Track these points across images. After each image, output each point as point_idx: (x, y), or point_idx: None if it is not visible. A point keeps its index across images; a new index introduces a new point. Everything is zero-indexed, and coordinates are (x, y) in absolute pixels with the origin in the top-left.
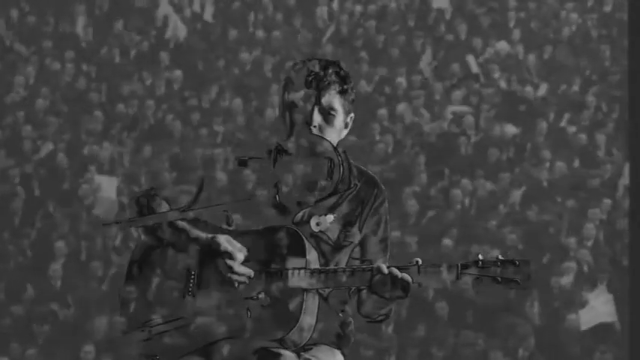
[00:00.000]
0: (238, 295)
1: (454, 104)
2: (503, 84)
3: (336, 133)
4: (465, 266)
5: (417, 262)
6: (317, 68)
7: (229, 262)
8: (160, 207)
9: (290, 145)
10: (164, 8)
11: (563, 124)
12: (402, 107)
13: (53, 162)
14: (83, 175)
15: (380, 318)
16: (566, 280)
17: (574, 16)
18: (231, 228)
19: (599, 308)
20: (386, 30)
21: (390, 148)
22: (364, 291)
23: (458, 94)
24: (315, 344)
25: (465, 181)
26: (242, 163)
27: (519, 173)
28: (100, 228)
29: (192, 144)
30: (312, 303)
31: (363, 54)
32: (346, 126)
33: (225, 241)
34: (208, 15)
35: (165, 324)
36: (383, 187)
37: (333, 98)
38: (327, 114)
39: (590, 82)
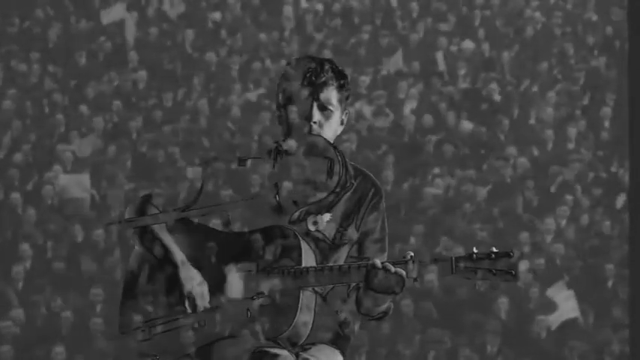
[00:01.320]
0: (237, 295)
1: (411, 101)
2: (467, 82)
3: (334, 129)
4: (459, 259)
5: (411, 256)
6: (313, 65)
7: (187, 304)
8: (152, 213)
9: (290, 145)
10: (119, 8)
11: (528, 121)
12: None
13: (18, 162)
14: (44, 175)
15: (379, 315)
16: (533, 277)
17: (538, 14)
18: (227, 230)
19: (561, 305)
20: (351, 28)
21: (354, 145)
22: (362, 289)
23: (414, 91)
24: (313, 344)
25: (431, 179)
26: (242, 163)
27: (486, 170)
28: (64, 228)
29: (156, 143)
30: (309, 302)
31: (327, 52)
32: (342, 122)
33: (190, 289)
34: (174, 14)
35: (165, 324)
36: (380, 185)
37: (330, 94)
38: (325, 109)
39: (555, 80)
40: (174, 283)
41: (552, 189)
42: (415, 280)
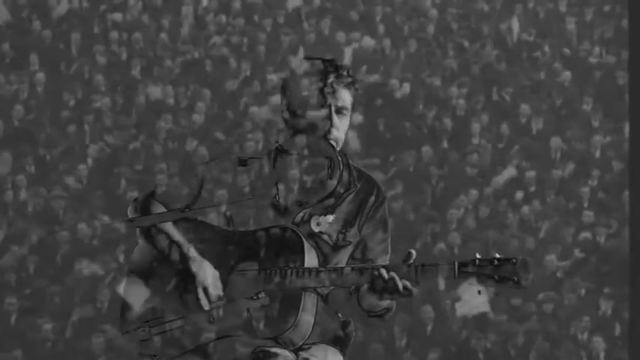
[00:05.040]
0: (238, 294)
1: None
2: (368, 78)
3: (345, 130)
4: (462, 265)
5: (413, 260)
6: (332, 69)
7: (201, 296)
8: (157, 209)
9: (291, 145)
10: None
11: (430, 116)
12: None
13: None
14: None
15: (382, 312)
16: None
17: (434, 11)
18: (230, 229)
19: (471, 300)
20: (255, 27)
21: (260, 145)
22: (365, 286)
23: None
24: (314, 343)
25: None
26: (242, 163)
27: (392, 164)
28: None
29: (60, 144)
30: (310, 302)
31: (225, 50)
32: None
33: (210, 283)
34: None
35: (165, 324)
36: (382, 188)
37: (346, 97)
38: (341, 113)
39: (454, 76)
40: (184, 277)
41: (457, 180)
42: (417, 282)
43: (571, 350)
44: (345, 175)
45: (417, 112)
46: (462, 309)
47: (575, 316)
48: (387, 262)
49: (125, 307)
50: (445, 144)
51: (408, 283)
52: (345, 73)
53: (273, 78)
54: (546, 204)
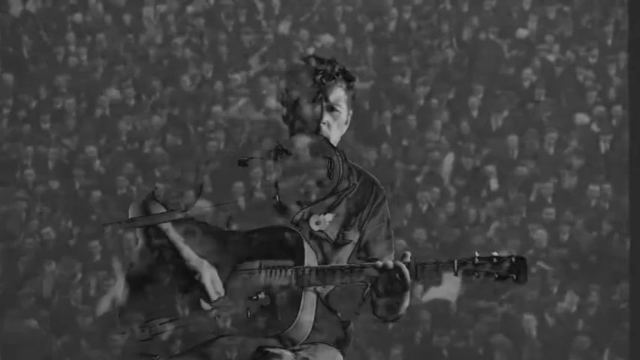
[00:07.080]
0: (237, 294)
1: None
2: None
3: (340, 129)
4: (462, 263)
5: (412, 258)
6: (324, 66)
7: (202, 301)
8: (157, 210)
9: (290, 145)
10: None
11: (393, 112)
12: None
13: None
14: None
15: (393, 318)
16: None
17: (395, 10)
18: (232, 229)
19: (444, 286)
20: (217, 27)
21: (222, 144)
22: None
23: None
24: (313, 343)
25: None
26: (242, 163)
27: (355, 160)
28: None
29: (23, 144)
30: (309, 301)
31: (188, 51)
32: (346, 122)
33: (208, 280)
34: (35, 15)
35: (165, 324)
36: (381, 186)
37: (339, 95)
38: (334, 110)
39: (418, 74)
40: (183, 277)
41: (425, 179)
42: (417, 279)
43: (535, 348)
44: (345, 174)
45: (378, 109)
46: (432, 293)
47: (538, 313)
48: (392, 259)
49: (123, 307)
50: (406, 141)
51: (403, 267)
52: (336, 69)
53: (237, 78)
54: (509, 200)
